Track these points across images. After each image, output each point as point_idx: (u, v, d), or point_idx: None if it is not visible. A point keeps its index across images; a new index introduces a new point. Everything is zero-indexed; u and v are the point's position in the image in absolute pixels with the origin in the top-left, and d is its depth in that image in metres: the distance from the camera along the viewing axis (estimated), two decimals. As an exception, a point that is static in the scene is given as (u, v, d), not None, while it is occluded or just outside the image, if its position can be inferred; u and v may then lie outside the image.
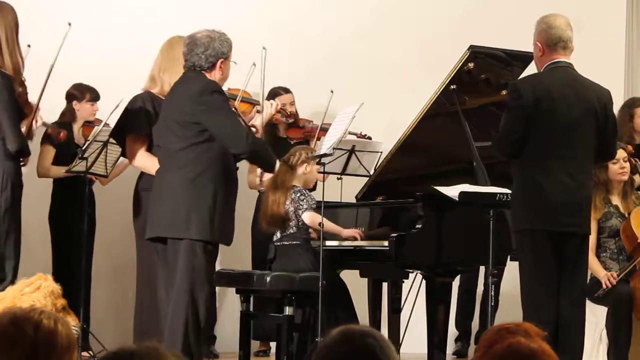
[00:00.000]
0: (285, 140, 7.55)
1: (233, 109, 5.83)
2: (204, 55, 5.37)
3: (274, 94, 7.45)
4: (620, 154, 6.30)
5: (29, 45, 6.31)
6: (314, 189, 6.83)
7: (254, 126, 5.99)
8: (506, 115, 5.33)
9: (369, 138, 7.43)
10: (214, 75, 5.42)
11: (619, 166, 6.34)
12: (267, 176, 6.46)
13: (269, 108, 6.77)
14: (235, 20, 7.92)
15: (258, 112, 6.82)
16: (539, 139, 5.19)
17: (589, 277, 5.97)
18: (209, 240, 5.29)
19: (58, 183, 7.10)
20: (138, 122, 5.97)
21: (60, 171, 6.91)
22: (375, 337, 2.30)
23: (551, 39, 5.30)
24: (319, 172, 6.46)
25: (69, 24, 6.35)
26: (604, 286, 6.19)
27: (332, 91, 7.35)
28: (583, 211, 5.30)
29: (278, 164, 5.74)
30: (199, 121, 5.30)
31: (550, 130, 5.19)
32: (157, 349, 2.22)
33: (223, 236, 5.39)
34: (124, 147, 6.12)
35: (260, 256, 7.07)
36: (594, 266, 6.22)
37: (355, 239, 6.32)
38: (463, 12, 8.51)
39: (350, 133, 7.31)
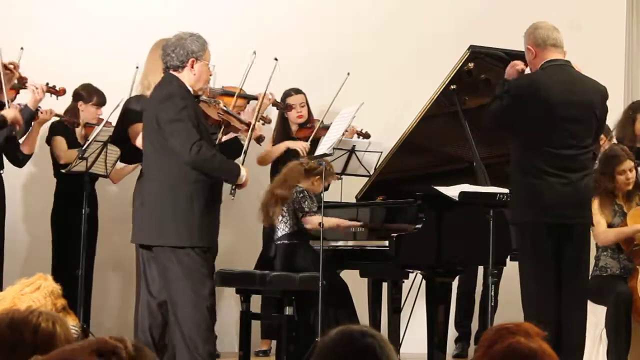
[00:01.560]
0: (295, 140, 7.54)
1: (221, 109, 5.79)
2: (174, 54, 5.35)
3: (285, 95, 7.47)
4: (628, 164, 6.31)
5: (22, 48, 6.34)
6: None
7: (245, 123, 5.92)
8: (499, 102, 5.34)
9: (368, 136, 7.43)
10: (187, 76, 5.37)
11: (625, 177, 6.36)
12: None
13: (262, 99, 6.77)
14: (236, 21, 7.93)
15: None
16: (537, 135, 5.19)
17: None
18: (187, 245, 5.27)
19: (61, 183, 7.09)
20: (135, 114, 6.00)
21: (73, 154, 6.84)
22: (375, 336, 2.30)
23: (540, 38, 5.32)
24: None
25: (22, 49, 6.37)
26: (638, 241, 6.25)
27: (348, 73, 7.33)
28: (583, 203, 5.31)
29: (243, 172, 5.50)
30: (163, 128, 5.30)
31: (548, 126, 5.19)
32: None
33: (203, 239, 5.33)
34: (126, 149, 6.11)
35: (266, 256, 7.08)
36: (624, 229, 6.25)
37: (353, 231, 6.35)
38: (463, 12, 8.50)
39: (350, 131, 7.33)
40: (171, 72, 5.38)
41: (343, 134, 6.46)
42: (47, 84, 6.69)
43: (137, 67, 6.49)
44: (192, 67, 5.36)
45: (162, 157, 5.31)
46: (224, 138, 5.88)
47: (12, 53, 6.47)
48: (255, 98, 6.93)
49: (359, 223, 6.36)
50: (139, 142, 5.93)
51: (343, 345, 2.28)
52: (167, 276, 5.31)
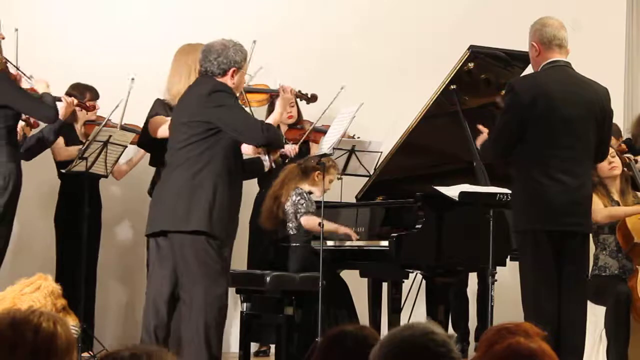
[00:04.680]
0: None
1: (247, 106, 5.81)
2: (216, 62, 5.38)
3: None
4: None
5: (16, 30, 6.30)
6: None
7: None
8: (502, 115, 5.32)
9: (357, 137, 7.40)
10: (225, 82, 5.41)
11: (607, 162, 6.31)
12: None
13: (287, 94, 6.67)
14: (235, 20, 7.92)
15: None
16: (538, 138, 5.17)
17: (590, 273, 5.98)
18: (209, 232, 5.27)
19: (65, 183, 7.08)
20: (154, 111, 6.06)
21: (74, 151, 6.84)
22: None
23: (546, 37, 5.29)
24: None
25: (16, 30, 6.31)
26: None
27: (342, 87, 7.26)
28: (584, 210, 5.30)
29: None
30: (209, 120, 5.30)
31: (549, 129, 5.18)
32: (156, 351, 2.22)
33: (222, 231, 5.35)
34: (155, 152, 6.15)
35: (257, 256, 7.07)
36: (626, 209, 6.23)
37: (349, 238, 6.35)
38: (463, 12, 8.51)
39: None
40: (207, 75, 5.40)
41: (343, 134, 6.45)
42: (79, 99, 6.72)
43: (132, 79, 6.41)
44: (233, 76, 5.39)
45: (192, 148, 5.33)
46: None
47: (8, 36, 6.40)
48: (275, 92, 6.78)
49: (356, 235, 6.36)
50: (160, 132, 5.93)
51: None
52: (183, 268, 5.30)
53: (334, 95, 7.38)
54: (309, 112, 7.75)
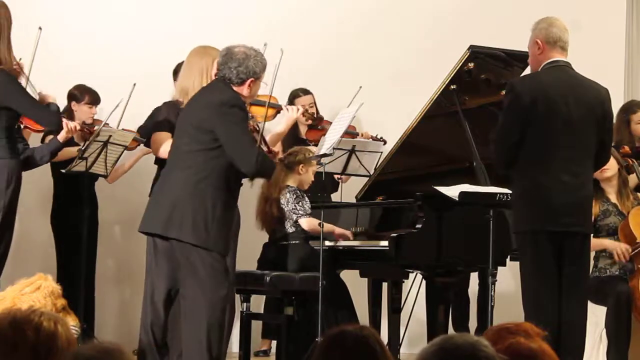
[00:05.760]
0: (304, 141, 7.50)
1: (254, 127, 5.77)
2: (235, 70, 5.35)
3: (293, 96, 7.42)
4: None
5: (40, 28, 6.29)
6: (335, 189, 6.77)
7: (270, 151, 5.91)
8: (503, 116, 5.32)
9: (384, 142, 7.36)
10: (242, 91, 5.39)
11: None
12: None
13: (292, 112, 6.64)
14: (235, 19, 7.93)
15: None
16: (538, 138, 5.18)
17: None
18: (203, 245, 5.26)
19: (59, 183, 7.08)
20: (159, 124, 6.06)
21: (71, 151, 6.83)
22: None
23: (552, 37, 5.30)
24: (337, 175, 6.46)
25: (40, 28, 6.29)
26: (617, 259, 6.21)
27: (360, 87, 7.22)
28: (584, 210, 5.30)
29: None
30: (214, 129, 5.28)
31: (549, 129, 5.18)
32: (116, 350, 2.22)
33: (217, 244, 5.33)
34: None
35: (267, 257, 7.06)
36: (603, 242, 6.24)
37: (347, 238, 6.35)
38: (463, 12, 8.51)
39: (365, 136, 7.29)
40: (225, 81, 5.39)
41: (343, 134, 6.44)
42: (84, 122, 6.71)
43: (134, 84, 6.40)
44: (250, 86, 5.38)
45: (198, 155, 5.31)
46: None
47: (30, 34, 6.40)
48: (281, 107, 6.76)
49: (350, 234, 6.37)
50: (162, 153, 5.93)
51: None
52: (185, 271, 5.29)
53: (333, 95, 7.39)
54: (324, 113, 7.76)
